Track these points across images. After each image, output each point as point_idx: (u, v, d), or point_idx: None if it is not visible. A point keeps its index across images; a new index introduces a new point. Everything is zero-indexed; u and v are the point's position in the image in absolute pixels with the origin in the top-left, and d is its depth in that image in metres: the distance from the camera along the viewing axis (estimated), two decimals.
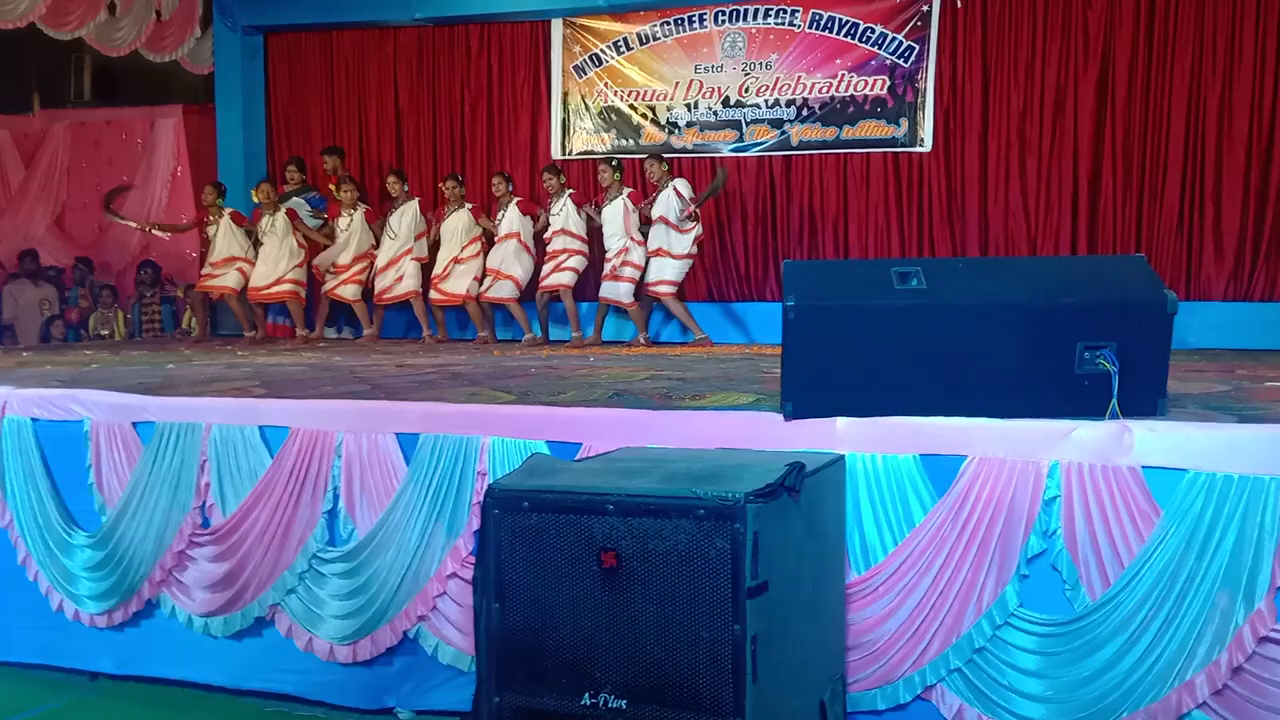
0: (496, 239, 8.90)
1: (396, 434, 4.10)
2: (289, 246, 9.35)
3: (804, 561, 3.05)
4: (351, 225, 9.32)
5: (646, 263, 8.53)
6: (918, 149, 8.79)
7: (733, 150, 9.28)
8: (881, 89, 8.87)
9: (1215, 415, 3.59)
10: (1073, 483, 3.27)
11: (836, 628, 3.42)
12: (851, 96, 8.96)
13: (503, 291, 8.85)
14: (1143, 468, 3.21)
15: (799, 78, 9.07)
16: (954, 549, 3.38)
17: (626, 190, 8.61)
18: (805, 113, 9.09)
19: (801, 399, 3.55)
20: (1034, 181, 8.50)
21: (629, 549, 2.78)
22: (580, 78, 9.69)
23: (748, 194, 9.25)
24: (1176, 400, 3.78)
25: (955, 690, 3.42)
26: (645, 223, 8.60)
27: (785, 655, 2.88)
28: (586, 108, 9.69)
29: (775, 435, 3.56)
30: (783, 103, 9.14)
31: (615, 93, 9.60)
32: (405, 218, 9.21)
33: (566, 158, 9.69)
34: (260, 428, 4.29)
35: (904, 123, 8.83)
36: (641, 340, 8.63)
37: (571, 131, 9.75)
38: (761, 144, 9.21)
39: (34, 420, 4.67)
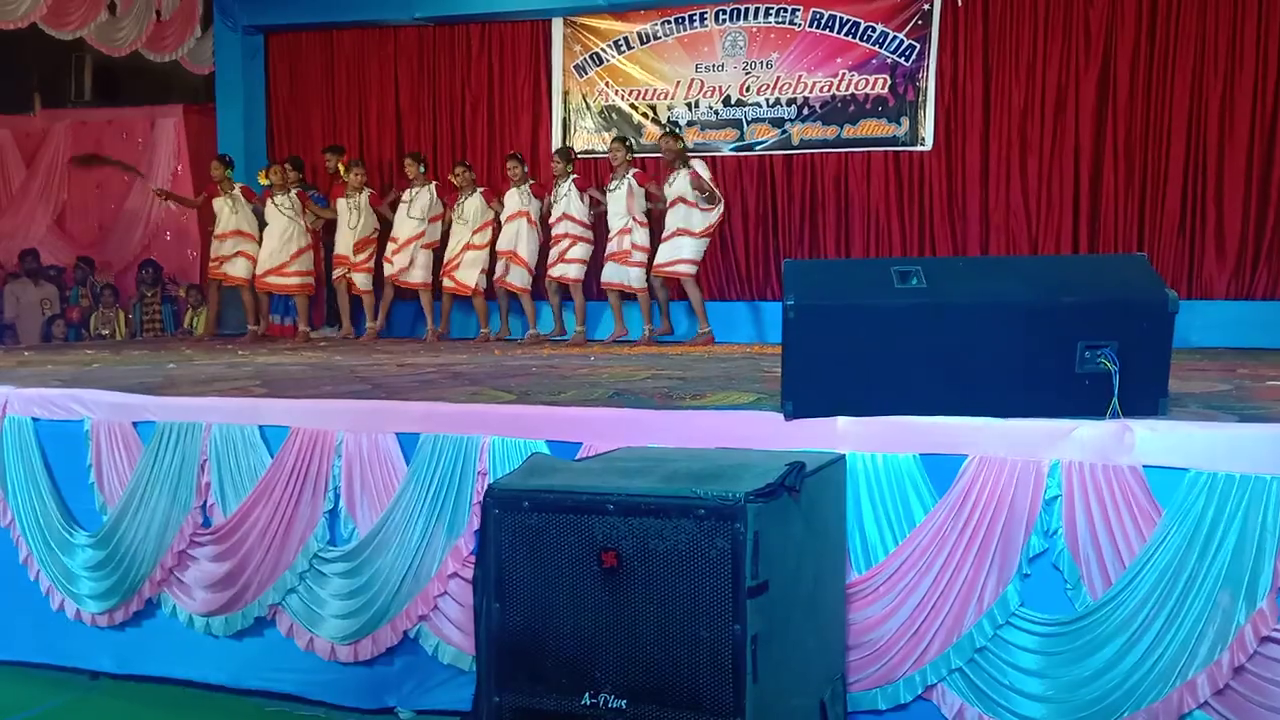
0: (505, 217, 8.94)
1: (397, 433, 4.09)
2: (296, 230, 9.30)
3: (804, 561, 3.05)
4: (358, 206, 9.31)
5: (656, 244, 8.49)
6: (919, 148, 8.79)
7: (733, 149, 9.28)
8: (882, 88, 8.87)
9: (1216, 414, 3.59)
10: (1074, 482, 3.27)
11: (837, 627, 3.42)
12: (852, 95, 8.96)
13: (516, 279, 8.89)
14: (1144, 467, 3.21)
15: (800, 77, 9.07)
16: (955, 548, 3.37)
17: (633, 171, 8.60)
18: (806, 112, 9.09)
19: (802, 398, 3.55)
20: (1035, 180, 8.50)
21: (629, 549, 2.78)
22: (581, 77, 9.69)
23: (748, 193, 9.25)
24: (1178, 399, 3.77)
25: (956, 690, 3.41)
26: (655, 205, 8.55)
27: (785, 655, 2.87)
28: (587, 107, 9.69)
29: (776, 434, 3.56)
30: (783, 102, 9.14)
31: (616, 92, 9.60)
32: (420, 201, 9.22)
33: (561, 148, 9.68)
34: (261, 427, 4.29)
35: (905, 122, 8.82)
36: (647, 331, 8.60)
37: (572, 130, 9.75)
38: (762, 143, 9.21)
39: (35, 420, 4.67)
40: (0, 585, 4.76)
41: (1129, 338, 3.33)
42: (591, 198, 8.80)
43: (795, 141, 9.13)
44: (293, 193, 9.30)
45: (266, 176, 9.51)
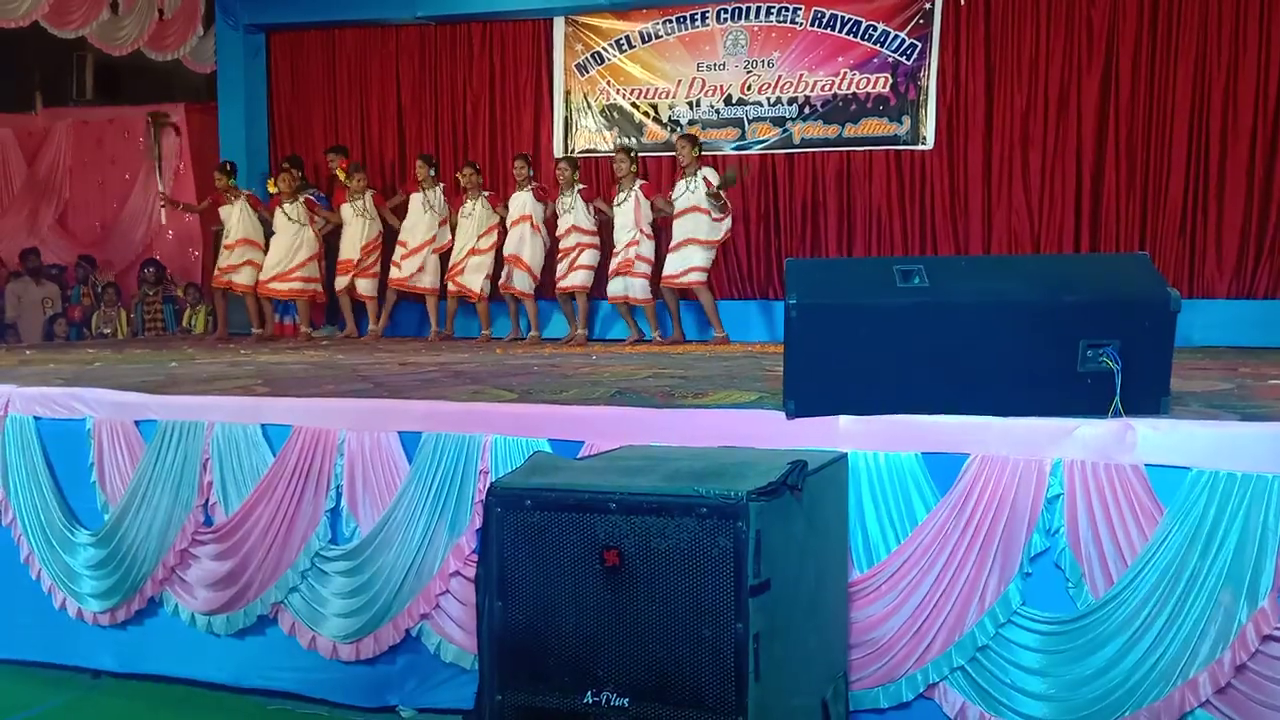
0: (510, 222, 8.95)
1: (399, 432, 4.10)
2: (304, 238, 9.31)
3: (806, 560, 3.05)
4: (363, 211, 9.31)
5: (662, 255, 8.50)
6: (920, 147, 8.79)
7: (734, 148, 9.28)
8: (884, 87, 8.87)
9: (1218, 413, 3.59)
10: (1076, 481, 3.27)
11: (839, 626, 3.42)
12: (854, 94, 8.96)
13: (521, 284, 8.91)
14: (1146, 466, 3.21)
15: (801, 75, 9.07)
16: (957, 547, 3.37)
17: (639, 183, 8.61)
18: (807, 111, 9.08)
19: (804, 397, 3.55)
20: (1037, 179, 8.49)
21: (631, 547, 2.78)
22: (582, 76, 9.69)
23: (750, 192, 9.25)
24: (1179, 398, 3.77)
25: (958, 688, 3.41)
26: (660, 214, 8.56)
27: (788, 653, 2.88)
28: (589, 106, 9.69)
29: (778, 433, 3.56)
30: (785, 101, 9.14)
31: (617, 91, 9.60)
32: (435, 203, 9.21)
33: (569, 156, 9.68)
34: (263, 426, 4.29)
35: (906, 120, 8.82)
36: (656, 338, 8.61)
37: (574, 130, 9.75)
38: (763, 142, 9.21)
39: (37, 418, 4.68)
40: (2, 584, 4.76)
41: (1131, 336, 3.33)
42: (596, 208, 8.80)
43: (797, 140, 9.13)
44: (301, 200, 9.31)
45: (275, 185, 9.51)
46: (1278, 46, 7.88)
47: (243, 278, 9.39)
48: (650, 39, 9.47)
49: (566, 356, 6.97)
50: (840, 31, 8.97)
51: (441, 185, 9.33)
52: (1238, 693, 3.07)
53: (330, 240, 9.63)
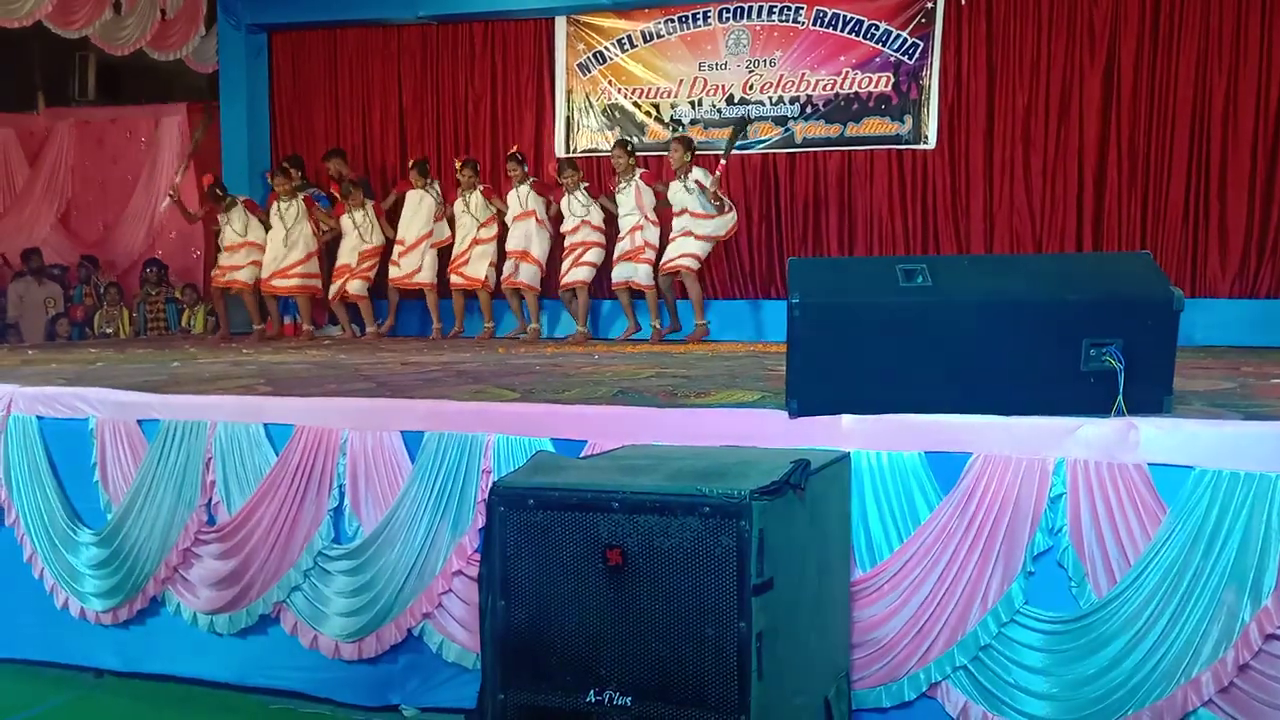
0: (512, 218, 8.95)
1: (401, 431, 4.10)
2: (302, 235, 9.29)
3: (809, 559, 3.05)
4: (363, 220, 9.32)
5: (663, 245, 8.53)
6: (922, 146, 8.78)
7: (736, 148, 9.26)
8: (886, 86, 8.86)
9: (1221, 412, 3.58)
10: (1079, 480, 3.27)
11: (841, 625, 3.42)
12: (856, 94, 8.95)
13: (526, 277, 8.92)
14: (1149, 465, 3.21)
15: (803, 75, 9.06)
16: (959, 546, 3.37)
17: (639, 171, 8.63)
18: (809, 110, 9.08)
19: (806, 396, 3.55)
20: (1039, 178, 8.48)
21: (634, 546, 2.78)
22: (584, 75, 9.68)
23: (752, 191, 9.24)
24: (1182, 397, 3.77)
25: (960, 688, 3.41)
26: (664, 206, 8.61)
27: (790, 653, 2.88)
28: (590, 105, 9.69)
29: (780, 432, 3.56)
30: (786, 100, 9.13)
31: (619, 90, 9.59)
32: (425, 203, 9.22)
33: (571, 155, 9.69)
34: (265, 425, 4.30)
35: (908, 120, 8.81)
36: (656, 327, 8.63)
37: (576, 129, 9.75)
38: (765, 141, 9.20)
39: (39, 418, 4.68)
40: (4, 583, 4.77)
41: (1134, 335, 3.33)
42: (602, 205, 8.83)
43: (798, 140, 9.12)
44: (300, 199, 9.30)
45: (273, 178, 9.51)
46: (1279, 45, 7.87)
47: (243, 275, 9.37)
48: (652, 38, 9.47)
49: (569, 356, 6.97)
50: (842, 31, 8.96)
51: (437, 183, 9.35)
52: (1241, 692, 3.07)
53: (329, 245, 9.65)
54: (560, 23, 9.71)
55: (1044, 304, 3.42)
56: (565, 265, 8.82)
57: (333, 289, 9.45)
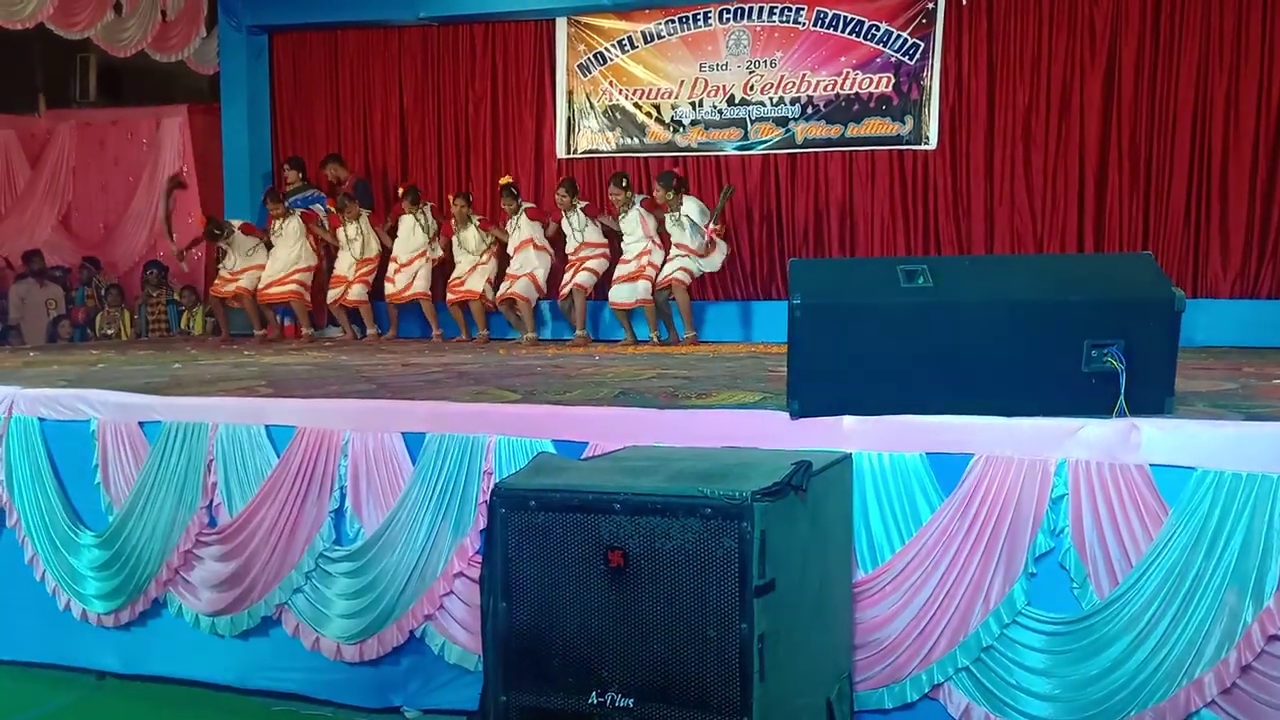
0: (512, 249, 8.98)
1: (403, 433, 4.10)
2: (301, 249, 9.43)
3: (811, 560, 3.05)
4: (359, 230, 9.40)
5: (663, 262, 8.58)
6: (923, 146, 8.77)
7: (737, 149, 9.27)
8: (886, 86, 8.86)
9: (1223, 413, 3.58)
10: (1080, 481, 3.27)
11: (844, 626, 3.42)
12: (856, 94, 8.94)
13: (520, 289, 8.91)
14: (1150, 466, 3.21)
15: (804, 75, 9.06)
16: (961, 547, 3.37)
17: (639, 198, 8.65)
18: (810, 111, 9.07)
19: (808, 397, 3.54)
20: (1040, 179, 8.48)
21: (636, 548, 2.78)
22: (585, 76, 9.68)
23: (753, 192, 9.24)
24: (1184, 398, 3.77)
25: (962, 689, 3.41)
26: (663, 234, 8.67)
27: (792, 654, 2.87)
28: (591, 106, 9.69)
29: (782, 434, 3.56)
30: (787, 101, 9.13)
31: (620, 91, 9.59)
32: (418, 231, 9.27)
33: (571, 156, 9.70)
34: (267, 427, 4.30)
35: (909, 120, 8.81)
36: (654, 339, 8.63)
37: (576, 130, 9.74)
38: (766, 142, 9.20)
39: (41, 420, 4.68)
40: (6, 585, 4.77)
41: (1135, 336, 3.33)
42: (602, 223, 8.85)
43: (799, 140, 9.12)
44: (297, 215, 9.39)
45: (266, 202, 9.59)
46: None
47: (244, 282, 9.48)
48: (653, 39, 9.46)
49: (570, 357, 6.97)
50: (843, 31, 8.96)
51: (430, 205, 9.39)
52: (1243, 693, 3.07)
53: (328, 254, 9.75)
54: (561, 24, 9.71)
55: (1045, 305, 3.42)
56: (567, 276, 8.84)
57: (332, 295, 9.52)
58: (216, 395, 4.60)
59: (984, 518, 3.35)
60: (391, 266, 9.37)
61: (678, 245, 8.42)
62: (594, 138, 9.69)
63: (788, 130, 9.13)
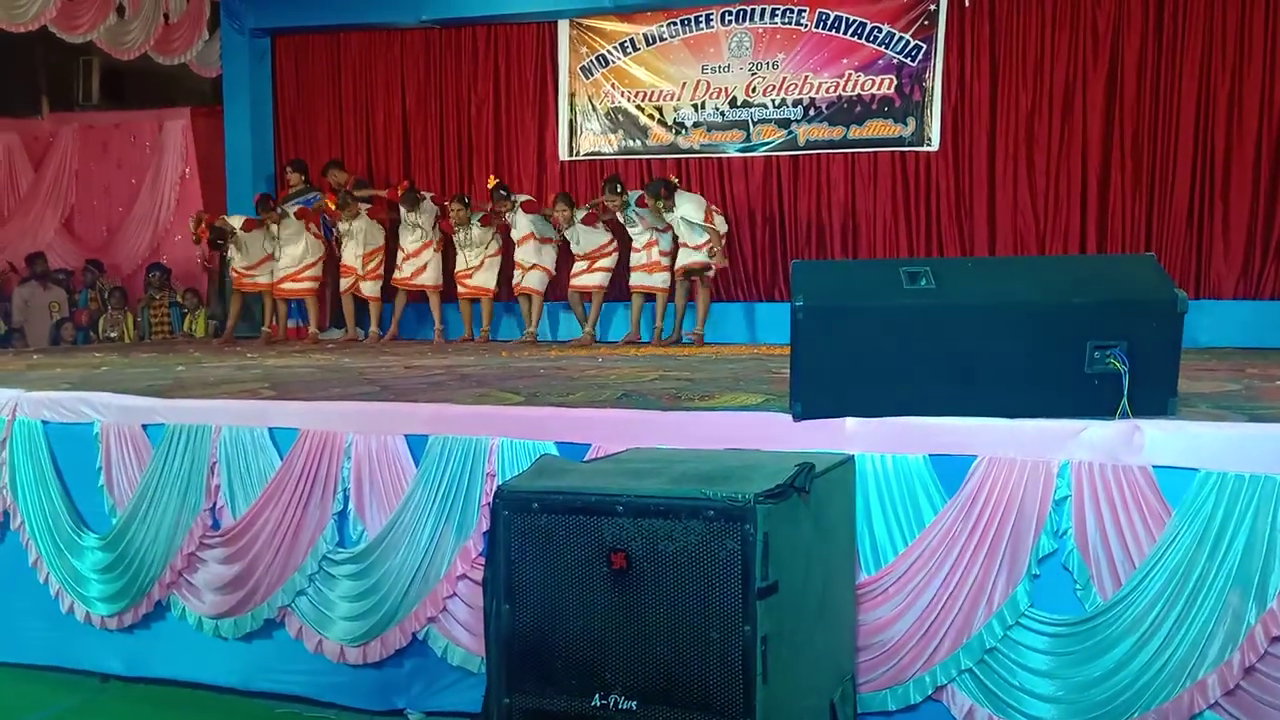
0: (517, 241, 9.10)
1: (406, 435, 4.10)
2: (307, 243, 9.56)
3: (814, 562, 3.04)
4: (361, 228, 9.48)
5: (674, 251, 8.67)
6: (925, 148, 8.78)
7: (739, 150, 9.27)
8: (889, 88, 8.86)
9: (1226, 414, 3.58)
10: (1083, 482, 3.26)
11: (847, 628, 3.42)
12: (859, 96, 8.95)
13: (533, 281, 9.04)
14: (1154, 467, 3.20)
15: (806, 77, 9.06)
16: (964, 549, 3.37)
17: (634, 196, 8.67)
18: (812, 112, 9.08)
19: (810, 399, 3.54)
20: (1043, 180, 8.48)
21: (639, 550, 2.78)
22: (587, 78, 9.69)
23: (755, 194, 9.25)
24: (1187, 399, 3.76)
25: (966, 691, 3.41)
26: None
27: (795, 656, 2.87)
28: (593, 108, 9.69)
29: (784, 435, 3.56)
30: (790, 102, 9.13)
31: (622, 93, 9.60)
32: (424, 215, 9.37)
33: (574, 158, 9.72)
34: (270, 430, 4.30)
35: (911, 122, 8.81)
36: (658, 329, 8.73)
37: (578, 132, 9.75)
38: (768, 144, 9.20)
39: (44, 423, 4.69)
40: (10, 588, 4.77)
41: (1138, 338, 3.33)
42: (605, 223, 8.90)
43: (801, 142, 9.12)
44: (291, 214, 9.47)
45: (258, 210, 9.67)
46: None
47: (261, 279, 9.67)
48: (655, 41, 9.47)
49: (572, 359, 6.98)
50: (845, 33, 8.96)
51: (429, 195, 9.46)
52: (1247, 695, 3.06)
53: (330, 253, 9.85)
54: (563, 26, 9.72)
55: (1048, 306, 3.42)
56: (579, 267, 8.91)
57: (343, 284, 9.65)
58: (220, 398, 4.60)
59: (987, 519, 3.35)
60: (400, 255, 9.51)
61: (685, 246, 8.48)
62: (596, 140, 9.70)
63: (790, 132, 9.14)
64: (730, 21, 9.25)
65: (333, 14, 10.18)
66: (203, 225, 9.64)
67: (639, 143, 9.54)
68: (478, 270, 9.22)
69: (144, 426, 4.52)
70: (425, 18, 9.94)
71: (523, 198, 9.12)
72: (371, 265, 9.56)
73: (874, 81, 8.89)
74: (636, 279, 8.81)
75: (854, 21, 8.93)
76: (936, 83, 8.70)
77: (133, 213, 11.56)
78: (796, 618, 2.89)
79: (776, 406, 3.85)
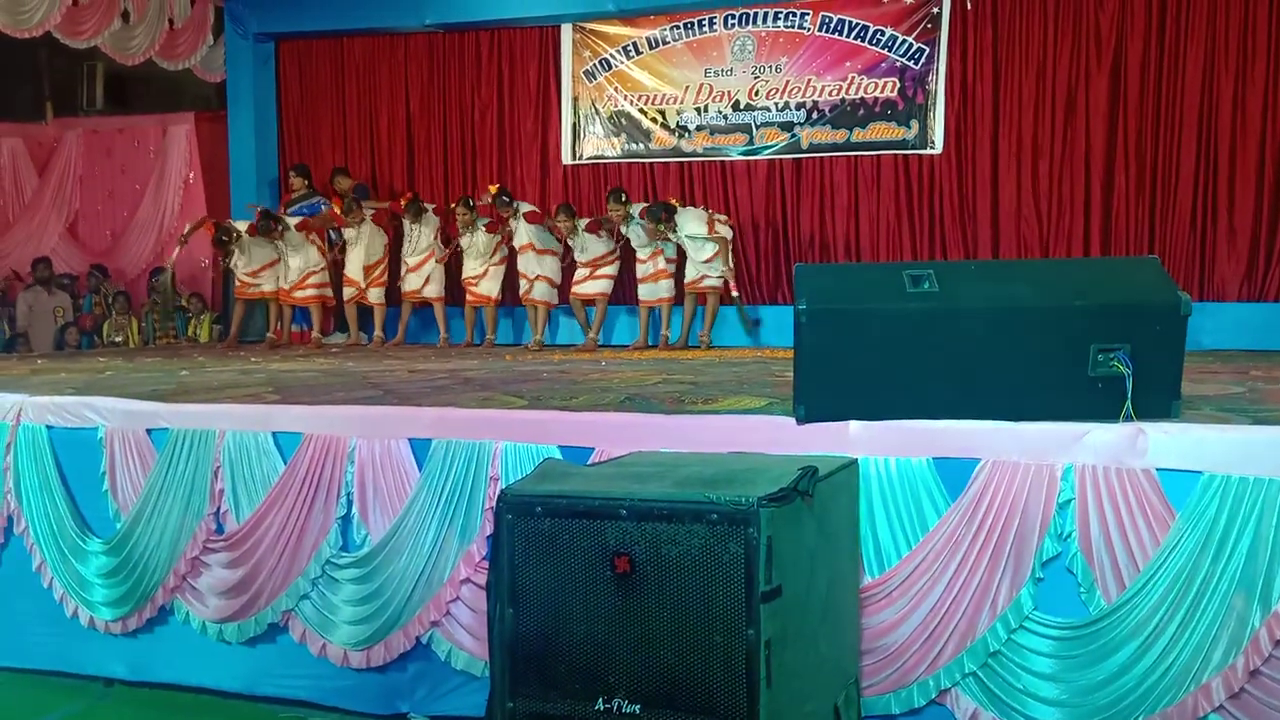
0: (519, 249, 9.12)
1: (409, 439, 4.10)
2: (309, 251, 9.55)
3: (818, 566, 3.04)
4: (364, 235, 9.50)
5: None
6: (928, 151, 8.77)
7: (742, 154, 9.28)
8: (892, 91, 8.86)
9: (1230, 417, 3.57)
10: (1087, 486, 3.26)
11: (851, 632, 3.41)
12: (861, 99, 8.95)
13: (539, 293, 9.08)
14: (1157, 470, 3.20)
15: (809, 80, 9.06)
16: (968, 552, 3.37)
17: (637, 208, 8.71)
18: (815, 116, 9.08)
19: (814, 403, 3.54)
20: (1046, 183, 8.47)
21: (642, 554, 2.78)
22: (590, 82, 9.70)
23: (758, 197, 9.25)
24: (1191, 402, 3.76)
25: (970, 694, 3.40)
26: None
27: (799, 660, 2.87)
28: (597, 112, 9.70)
29: (788, 439, 3.56)
30: (793, 106, 9.14)
31: (625, 97, 9.61)
32: (427, 227, 9.39)
33: (577, 162, 9.73)
34: (273, 434, 4.31)
35: (914, 125, 8.81)
36: (665, 336, 8.78)
37: (582, 136, 9.76)
38: (771, 147, 9.20)
39: (49, 427, 4.69)
40: (14, 593, 4.78)
41: (1142, 340, 3.33)
42: (609, 232, 8.91)
43: (805, 145, 9.12)
44: (291, 225, 9.47)
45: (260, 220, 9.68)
46: None
47: (267, 287, 9.66)
48: (658, 45, 9.48)
49: (576, 363, 6.98)
50: (848, 36, 8.96)
51: (431, 206, 9.47)
52: (1251, 698, 3.06)
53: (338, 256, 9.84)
54: (566, 30, 9.73)
55: (1051, 309, 3.42)
56: (581, 274, 8.92)
57: (346, 294, 9.64)
58: (224, 402, 4.61)
59: (991, 522, 3.34)
60: (404, 267, 9.52)
61: (694, 261, 8.61)
62: (599, 144, 9.71)
63: (793, 135, 9.14)
64: (733, 25, 9.26)
65: (336, 19, 10.20)
66: (200, 228, 9.62)
67: (642, 146, 9.54)
68: (482, 279, 9.24)
69: (148, 431, 4.53)
70: (429, 22, 9.96)
71: (526, 207, 9.10)
72: (375, 275, 9.59)
73: (877, 84, 8.90)
74: (644, 293, 8.86)
75: (857, 25, 8.93)
76: (939, 86, 8.70)
77: (137, 218, 11.58)
78: (800, 621, 2.89)
79: (780, 410, 3.85)
